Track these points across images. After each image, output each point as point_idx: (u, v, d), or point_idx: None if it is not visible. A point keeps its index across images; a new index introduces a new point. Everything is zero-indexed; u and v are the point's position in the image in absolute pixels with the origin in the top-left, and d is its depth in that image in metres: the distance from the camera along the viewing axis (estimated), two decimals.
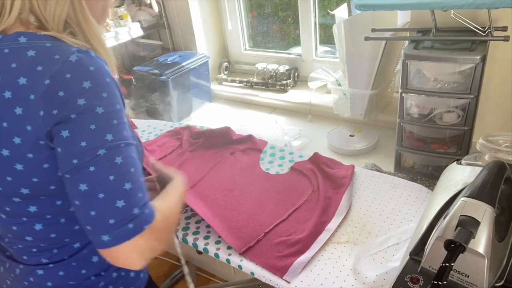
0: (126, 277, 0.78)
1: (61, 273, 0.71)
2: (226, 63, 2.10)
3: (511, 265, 0.66)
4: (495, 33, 1.04)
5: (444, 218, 0.66)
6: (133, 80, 1.93)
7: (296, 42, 1.95)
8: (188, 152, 1.27)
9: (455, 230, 0.61)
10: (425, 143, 1.18)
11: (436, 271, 0.62)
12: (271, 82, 1.88)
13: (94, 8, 0.66)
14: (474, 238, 0.60)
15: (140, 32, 1.93)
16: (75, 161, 0.57)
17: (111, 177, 0.57)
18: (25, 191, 0.62)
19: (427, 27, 1.16)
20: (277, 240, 0.90)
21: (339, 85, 1.49)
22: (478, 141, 0.93)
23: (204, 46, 2.04)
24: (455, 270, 0.63)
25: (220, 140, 1.30)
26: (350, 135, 1.47)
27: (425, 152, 1.18)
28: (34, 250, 0.70)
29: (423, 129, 1.17)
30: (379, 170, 1.20)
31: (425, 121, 1.14)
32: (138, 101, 1.95)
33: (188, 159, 1.24)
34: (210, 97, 2.01)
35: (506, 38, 0.97)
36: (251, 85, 1.94)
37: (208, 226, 0.98)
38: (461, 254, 0.59)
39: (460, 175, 0.84)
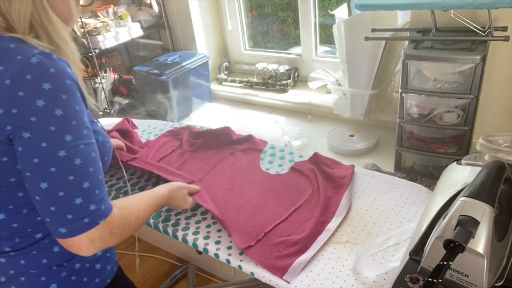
0: (90, 269, 0.79)
1: (22, 261, 0.73)
2: (226, 63, 2.10)
3: (511, 264, 0.66)
4: (495, 33, 1.04)
5: (443, 218, 0.66)
6: (133, 80, 1.94)
7: (296, 42, 1.95)
8: (188, 152, 1.27)
9: (454, 230, 0.61)
10: (425, 143, 1.18)
11: None
12: (271, 82, 1.88)
13: (59, 8, 0.67)
14: (473, 238, 0.60)
15: (140, 32, 1.93)
16: (35, 160, 0.60)
17: (71, 177, 0.61)
18: None
19: (427, 27, 1.16)
20: (277, 240, 0.90)
21: (339, 85, 1.49)
22: (478, 141, 0.93)
23: (204, 46, 2.04)
24: (454, 270, 0.63)
25: (220, 140, 1.30)
26: (350, 135, 1.47)
27: (425, 152, 1.18)
28: None
29: (423, 129, 1.17)
30: (379, 170, 1.20)
31: (425, 121, 1.14)
32: (138, 101, 1.96)
33: (188, 159, 1.24)
34: (210, 97, 2.01)
35: (506, 38, 0.97)
36: (251, 85, 1.94)
37: (208, 226, 0.98)
38: (460, 254, 0.59)
39: (460, 175, 0.84)
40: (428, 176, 1.18)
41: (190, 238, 0.96)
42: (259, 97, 1.87)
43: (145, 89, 1.86)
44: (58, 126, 0.60)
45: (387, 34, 1.25)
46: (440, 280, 0.57)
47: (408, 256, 0.70)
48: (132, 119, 1.52)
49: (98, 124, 0.77)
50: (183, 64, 1.82)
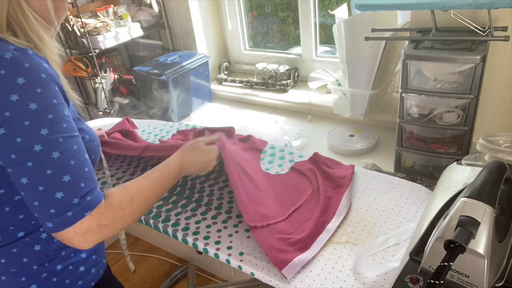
0: (73, 271, 0.79)
1: (2, 260, 0.73)
2: (226, 63, 2.10)
3: (511, 265, 0.66)
4: (495, 33, 1.04)
5: (444, 218, 0.66)
6: (133, 80, 1.94)
7: (296, 42, 1.95)
8: None
9: (455, 231, 0.61)
10: (425, 143, 1.18)
11: None
12: (271, 82, 1.88)
13: (37, 7, 0.66)
14: (474, 238, 0.60)
15: (140, 32, 1.93)
16: (13, 156, 0.60)
17: (49, 171, 0.61)
18: None
19: (427, 27, 1.16)
20: (278, 236, 0.90)
21: (339, 85, 1.49)
22: (478, 141, 0.93)
23: (204, 46, 2.04)
24: (455, 271, 0.63)
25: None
26: (350, 135, 1.47)
27: (425, 152, 1.18)
28: None
29: (423, 129, 1.17)
30: (379, 170, 1.20)
31: (425, 121, 1.14)
32: (138, 101, 1.95)
33: None
34: (210, 97, 2.01)
35: (506, 38, 0.97)
36: (251, 85, 1.94)
37: (208, 226, 0.98)
38: (461, 255, 0.59)
39: (460, 175, 0.84)
40: (428, 176, 1.18)
41: (190, 238, 0.96)
42: (259, 97, 1.87)
43: (145, 89, 1.86)
44: (32, 121, 0.59)
45: (387, 34, 1.25)
46: (442, 282, 0.57)
47: (408, 257, 0.70)
48: (132, 119, 1.52)
49: (85, 123, 0.77)
50: (183, 64, 1.82)
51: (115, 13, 1.88)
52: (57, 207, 0.61)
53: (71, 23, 1.74)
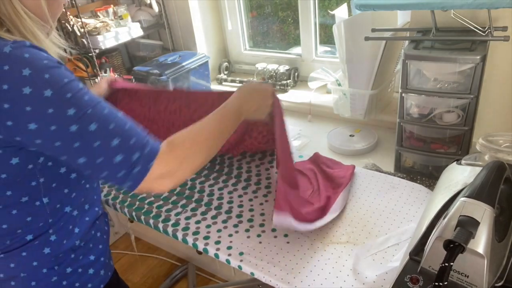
0: (83, 274, 0.79)
1: (12, 264, 0.72)
2: (226, 63, 2.10)
3: (511, 265, 0.66)
4: (495, 33, 1.04)
5: (443, 218, 0.66)
6: (133, 80, 1.94)
7: (296, 42, 1.95)
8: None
9: (454, 230, 0.61)
10: (425, 143, 1.18)
11: (435, 271, 0.62)
12: (271, 82, 1.88)
13: (29, 4, 0.66)
14: (473, 238, 0.60)
15: (140, 32, 1.93)
16: (57, 143, 0.60)
17: (97, 143, 0.62)
18: None
19: (427, 27, 1.16)
20: (292, 199, 0.88)
21: (339, 85, 1.49)
22: (478, 141, 0.93)
23: (204, 46, 2.04)
24: (454, 270, 0.63)
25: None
26: (350, 135, 1.47)
27: (425, 152, 1.18)
28: None
29: (423, 129, 1.17)
30: (379, 170, 1.20)
31: (425, 121, 1.14)
32: None
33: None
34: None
35: (506, 38, 0.97)
36: None
37: (208, 226, 0.98)
38: (460, 254, 0.59)
39: (460, 175, 0.84)
40: (428, 176, 1.18)
41: (190, 238, 0.96)
42: None
43: None
44: (54, 106, 0.59)
45: (387, 34, 1.25)
46: (446, 283, 0.57)
47: (408, 256, 0.70)
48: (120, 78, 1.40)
49: None
50: (183, 64, 1.82)
51: (115, 13, 1.88)
52: (123, 169, 0.63)
53: (71, 23, 1.74)
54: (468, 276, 0.62)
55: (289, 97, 1.80)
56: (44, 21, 0.69)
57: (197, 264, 1.95)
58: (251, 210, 1.02)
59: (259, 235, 0.94)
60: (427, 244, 0.67)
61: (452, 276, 0.64)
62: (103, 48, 1.77)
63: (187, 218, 1.02)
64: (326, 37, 1.86)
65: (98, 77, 1.83)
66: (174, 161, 0.67)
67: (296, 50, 1.95)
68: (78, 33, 1.75)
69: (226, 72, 2.10)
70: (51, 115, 0.59)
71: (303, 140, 1.52)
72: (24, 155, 0.65)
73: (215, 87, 2.02)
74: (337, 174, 1.08)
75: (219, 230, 0.97)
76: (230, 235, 0.95)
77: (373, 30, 1.20)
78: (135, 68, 1.86)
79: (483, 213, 0.62)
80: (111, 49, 1.91)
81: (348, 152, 1.40)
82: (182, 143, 0.70)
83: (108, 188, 1.15)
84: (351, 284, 0.79)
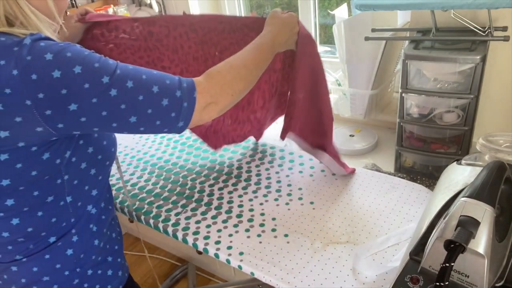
0: (102, 275, 0.79)
1: (35, 268, 0.72)
2: None
3: (511, 265, 0.66)
4: (495, 33, 1.04)
5: (444, 218, 0.66)
6: None
7: None
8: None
9: (455, 230, 0.61)
10: (425, 143, 1.18)
11: (436, 271, 0.62)
12: None
13: (38, 2, 0.66)
14: (474, 238, 0.60)
15: None
16: (104, 113, 0.61)
17: (141, 97, 0.63)
18: (5, 182, 0.63)
19: (427, 27, 1.16)
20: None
21: (339, 85, 1.49)
22: (478, 141, 0.93)
23: None
24: (455, 270, 0.63)
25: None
26: (350, 135, 1.47)
27: (425, 152, 1.18)
28: (9, 247, 0.70)
29: (423, 129, 1.17)
30: (379, 170, 1.21)
31: (425, 121, 1.14)
32: None
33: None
34: None
35: (506, 38, 0.97)
36: None
37: (208, 226, 0.98)
38: (461, 254, 0.59)
39: (460, 175, 0.84)
40: (428, 176, 1.18)
41: (190, 238, 0.96)
42: None
43: None
44: (89, 80, 0.60)
45: (387, 34, 1.25)
46: (447, 283, 0.57)
47: (408, 256, 0.70)
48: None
49: None
50: None
51: (115, 13, 1.88)
52: (173, 110, 0.66)
53: None
54: (468, 276, 0.62)
55: None
56: (51, 19, 0.68)
57: (197, 264, 1.95)
58: (251, 210, 1.02)
59: (259, 235, 0.94)
60: (428, 244, 0.67)
61: (452, 276, 0.64)
62: None
63: (187, 218, 1.02)
64: (326, 37, 1.86)
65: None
66: (214, 87, 0.70)
67: None
68: None
69: None
70: (89, 89, 0.59)
71: None
72: (55, 150, 0.65)
73: None
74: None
75: (219, 230, 0.97)
76: (230, 235, 0.95)
77: (373, 30, 1.20)
78: None
79: (484, 213, 0.62)
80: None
81: (348, 152, 1.40)
82: (218, 71, 0.72)
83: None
84: (351, 284, 0.79)
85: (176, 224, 1.00)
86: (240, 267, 0.87)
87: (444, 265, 0.58)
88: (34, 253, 0.71)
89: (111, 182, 1.18)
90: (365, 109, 1.42)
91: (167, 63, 1.09)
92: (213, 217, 1.01)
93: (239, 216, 1.00)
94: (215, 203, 1.06)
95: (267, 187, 1.11)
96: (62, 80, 0.58)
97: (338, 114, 1.54)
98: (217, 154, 1.28)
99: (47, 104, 0.58)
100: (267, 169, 1.17)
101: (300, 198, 1.05)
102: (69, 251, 0.73)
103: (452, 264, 0.58)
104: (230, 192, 1.10)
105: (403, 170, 1.25)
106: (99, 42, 1.07)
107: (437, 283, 0.57)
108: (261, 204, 1.04)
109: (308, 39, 0.93)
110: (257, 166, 1.20)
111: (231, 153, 1.28)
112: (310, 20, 1.78)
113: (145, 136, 1.43)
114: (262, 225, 0.97)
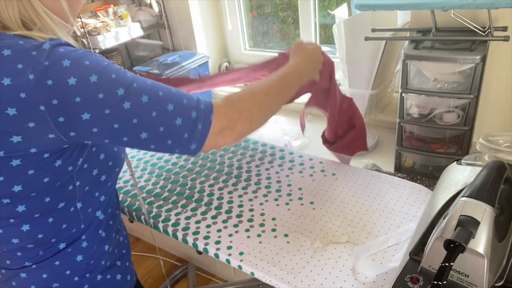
0: (111, 280, 0.78)
1: (44, 275, 0.71)
2: (226, 63, 2.10)
3: (511, 265, 0.66)
4: (495, 33, 1.04)
5: (444, 218, 0.66)
6: None
7: None
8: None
9: (454, 230, 0.61)
10: (425, 143, 1.18)
11: (436, 271, 0.62)
12: None
13: (50, 4, 0.65)
14: (474, 238, 0.60)
15: (140, 32, 1.93)
16: (116, 125, 0.60)
17: (154, 113, 0.62)
18: (17, 188, 0.62)
19: (427, 27, 1.16)
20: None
21: (339, 85, 1.48)
22: (478, 141, 0.93)
23: (204, 46, 2.04)
24: (455, 270, 0.63)
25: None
26: None
27: (425, 152, 1.18)
28: (18, 253, 0.69)
29: (423, 129, 1.17)
30: (379, 170, 1.20)
31: (425, 121, 1.14)
32: None
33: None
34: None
35: (506, 38, 0.97)
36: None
37: (208, 226, 0.98)
38: (461, 254, 0.59)
39: (460, 175, 0.84)
40: (428, 176, 1.18)
41: (190, 238, 0.96)
42: None
43: None
44: (103, 91, 0.58)
45: (387, 34, 1.25)
46: (445, 282, 0.57)
47: (408, 256, 0.70)
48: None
49: None
50: (183, 64, 1.82)
51: (115, 13, 1.88)
52: (186, 130, 0.64)
53: None
54: (468, 276, 0.62)
55: None
56: (65, 21, 0.67)
57: (197, 264, 1.95)
58: (251, 210, 1.02)
59: (259, 235, 0.94)
60: (427, 244, 0.67)
61: (452, 276, 0.64)
62: (103, 48, 1.77)
63: (187, 218, 1.02)
64: (326, 37, 1.86)
65: None
66: (232, 112, 0.68)
67: None
68: (78, 33, 1.75)
69: None
70: (103, 99, 0.58)
71: (303, 140, 1.52)
72: (67, 157, 0.64)
73: None
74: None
75: (219, 230, 0.97)
76: (230, 235, 0.95)
77: (373, 30, 1.20)
78: (135, 68, 1.86)
79: (483, 213, 0.62)
80: (111, 49, 1.91)
81: None
82: (239, 96, 0.70)
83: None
84: (351, 284, 0.79)
85: (176, 224, 1.00)
86: (240, 267, 0.87)
87: (443, 264, 0.58)
88: (44, 260, 0.70)
89: (140, 195, 1.18)
90: (365, 109, 1.42)
91: None
92: (213, 217, 1.01)
93: (239, 216, 1.00)
94: (215, 203, 1.06)
95: (267, 187, 1.11)
96: (77, 87, 0.57)
97: None
98: (217, 154, 1.28)
99: (60, 110, 0.57)
100: (267, 169, 1.17)
101: (300, 198, 1.05)
102: (79, 257, 0.72)
103: (452, 264, 0.58)
104: (230, 192, 1.10)
105: (403, 170, 1.25)
106: None
107: (435, 282, 0.57)
108: (261, 204, 1.04)
109: (332, 65, 0.97)
110: (257, 166, 1.20)
111: (231, 153, 1.28)
112: (310, 20, 1.78)
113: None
114: (262, 225, 0.97)
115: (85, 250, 0.73)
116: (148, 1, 1.96)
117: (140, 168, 1.24)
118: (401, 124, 1.17)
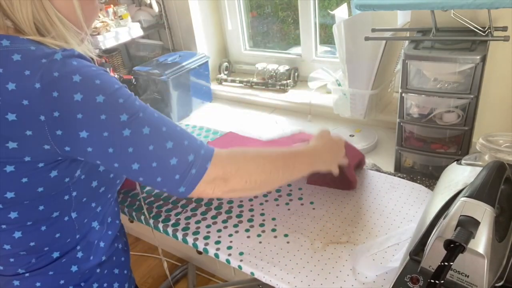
0: None
1: (38, 283, 0.70)
2: (226, 63, 2.10)
3: (511, 265, 0.66)
4: (495, 33, 1.04)
5: (444, 218, 0.66)
6: (133, 80, 1.94)
7: (296, 42, 1.95)
8: None
9: (455, 230, 0.61)
10: (425, 143, 1.18)
11: None
12: (271, 82, 1.88)
13: (63, 9, 0.63)
14: (474, 238, 0.60)
15: (140, 32, 1.93)
16: (110, 150, 0.59)
17: (151, 147, 0.60)
18: (10, 195, 0.61)
19: (427, 27, 1.16)
20: None
21: (339, 85, 1.49)
22: (478, 141, 0.93)
23: (204, 46, 2.04)
24: (455, 270, 0.63)
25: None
26: (350, 135, 1.47)
27: (425, 152, 1.18)
28: (11, 260, 0.69)
29: (423, 129, 1.17)
30: (379, 170, 1.20)
31: (425, 121, 1.13)
32: None
33: None
34: (210, 97, 2.01)
35: (506, 38, 0.97)
36: (251, 85, 1.94)
37: (208, 226, 0.98)
38: (461, 254, 0.59)
39: (460, 175, 0.84)
40: (428, 176, 1.18)
41: (190, 238, 0.96)
42: (259, 97, 1.87)
43: (145, 89, 1.86)
44: (107, 112, 0.57)
45: (387, 34, 1.25)
46: (443, 281, 0.57)
47: (408, 256, 0.70)
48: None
49: None
50: (183, 64, 1.82)
51: (115, 13, 1.88)
52: (179, 172, 0.62)
53: None
54: (468, 276, 0.62)
55: (289, 97, 1.80)
56: (78, 27, 0.66)
57: (197, 264, 1.95)
58: (251, 210, 1.02)
59: (259, 235, 0.94)
60: (428, 244, 0.67)
61: (452, 276, 0.64)
62: (103, 48, 1.77)
63: (187, 218, 1.02)
64: (326, 37, 1.86)
65: None
66: (231, 165, 0.66)
67: (296, 50, 1.95)
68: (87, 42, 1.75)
69: (226, 72, 2.10)
70: (104, 121, 0.57)
71: None
72: (63, 168, 0.63)
73: (215, 87, 2.02)
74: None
75: (219, 230, 0.97)
76: (230, 235, 0.95)
77: (373, 30, 1.20)
78: (135, 68, 1.86)
79: (483, 213, 0.62)
80: (111, 49, 1.91)
81: None
82: (244, 152, 0.68)
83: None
84: (351, 284, 0.79)
85: (176, 224, 1.00)
86: (240, 267, 0.87)
87: (442, 263, 0.58)
88: (37, 269, 0.69)
89: (146, 207, 1.17)
90: (365, 109, 1.42)
91: None
92: (213, 217, 1.01)
93: (239, 216, 1.00)
94: (215, 203, 1.06)
95: None
96: (81, 104, 0.56)
97: (338, 114, 1.54)
98: None
99: (60, 124, 0.56)
100: None
101: (300, 198, 1.05)
102: (74, 268, 0.72)
103: (451, 263, 0.58)
104: None
105: (403, 170, 1.25)
106: None
107: (431, 280, 0.57)
108: (261, 204, 1.04)
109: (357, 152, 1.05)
110: None
111: None
112: (310, 20, 1.78)
113: None
114: (262, 225, 0.97)
115: (80, 261, 0.72)
116: (148, 1, 1.96)
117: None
118: (401, 124, 1.17)
